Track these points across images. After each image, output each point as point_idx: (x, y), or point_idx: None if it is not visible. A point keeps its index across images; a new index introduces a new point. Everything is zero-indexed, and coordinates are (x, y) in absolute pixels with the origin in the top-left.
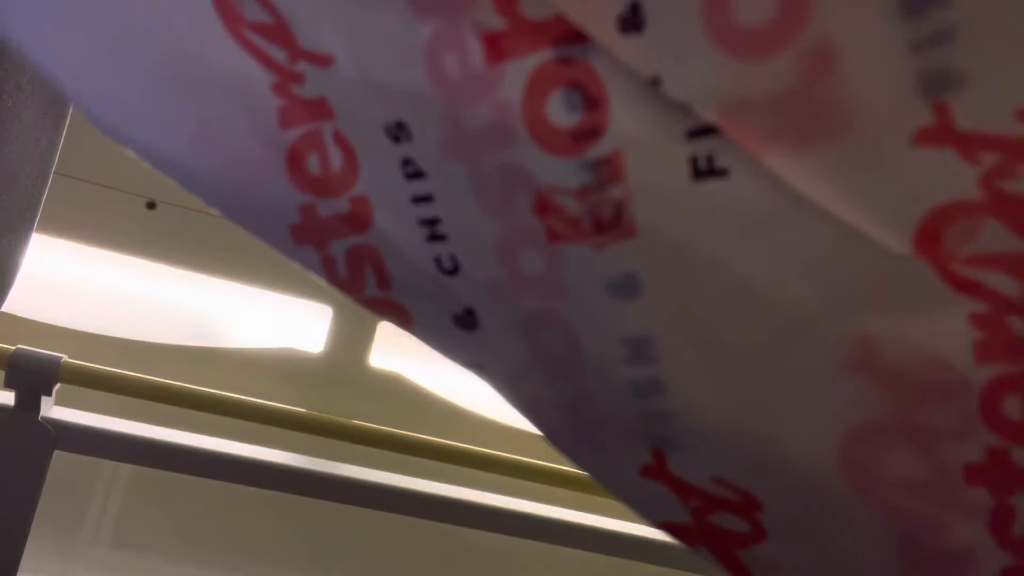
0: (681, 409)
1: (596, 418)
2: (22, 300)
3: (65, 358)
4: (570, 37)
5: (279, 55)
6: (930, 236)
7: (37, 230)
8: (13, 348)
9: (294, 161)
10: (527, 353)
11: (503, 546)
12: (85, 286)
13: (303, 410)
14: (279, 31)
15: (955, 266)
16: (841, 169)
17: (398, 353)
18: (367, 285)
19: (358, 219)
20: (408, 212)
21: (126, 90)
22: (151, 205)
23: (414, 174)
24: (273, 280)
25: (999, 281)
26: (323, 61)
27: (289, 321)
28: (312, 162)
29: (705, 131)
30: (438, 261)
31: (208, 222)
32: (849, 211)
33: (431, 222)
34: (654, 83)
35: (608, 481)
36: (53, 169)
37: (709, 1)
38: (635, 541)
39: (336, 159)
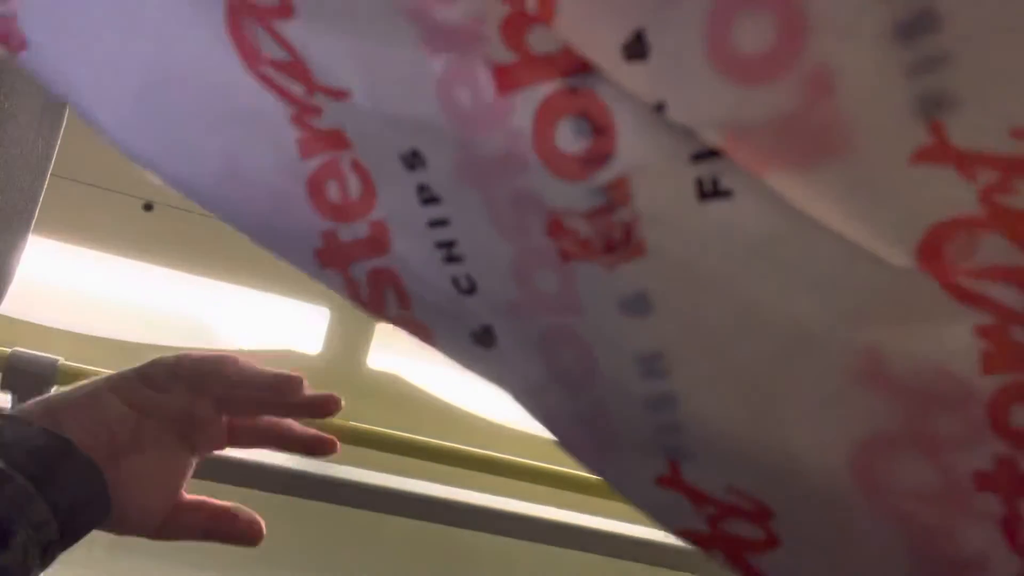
0: (693, 421)
1: (612, 430)
2: (19, 302)
3: (62, 360)
4: (577, 67)
5: (296, 89)
6: (932, 250)
7: (34, 232)
8: (10, 351)
9: (315, 189)
10: (544, 368)
11: (501, 547)
12: (82, 288)
13: None
14: (296, 68)
15: (959, 279)
16: (842, 188)
17: (396, 354)
18: (388, 305)
19: (377, 243)
20: (425, 236)
21: (159, 127)
22: (148, 207)
23: (430, 199)
24: (270, 282)
25: (1003, 293)
26: (339, 95)
27: (286, 323)
28: (332, 190)
29: (709, 154)
30: (455, 281)
31: (205, 224)
32: (851, 228)
33: (447, 244)
34: (658, 108)
35: (625, 490)
36: (50, 171)
37: (710, 29)
38: (633, 542)
39: (354, 187)
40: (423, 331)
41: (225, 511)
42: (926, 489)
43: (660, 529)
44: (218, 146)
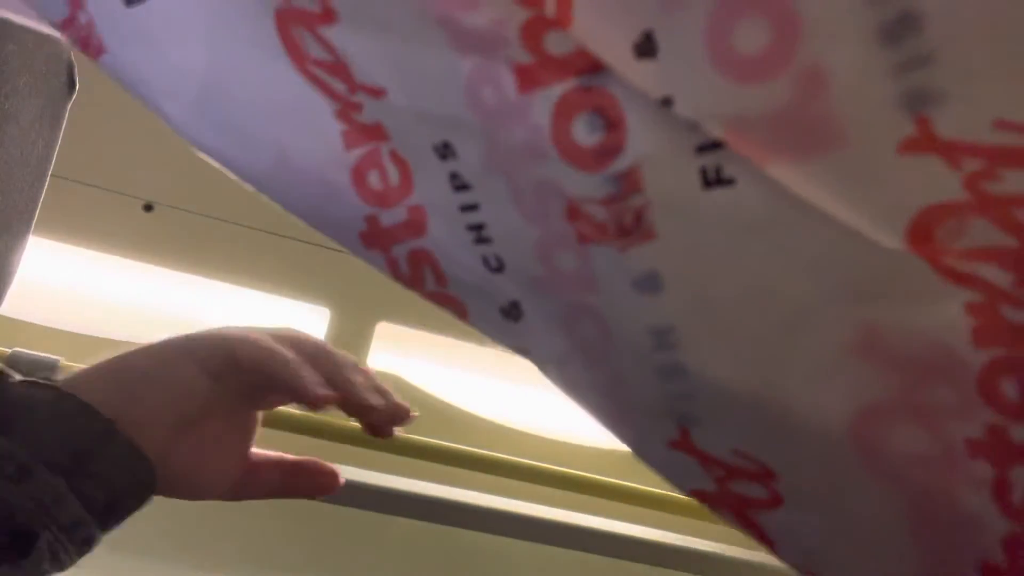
0: (701, 390)
1: (629, 398)
2: (19, 302)
3: (62, 360)
4: (590, 67)
5: (339, 87)
6: (922, 233)
7: (34, 233)
8: (10, 351)
9: (358, 178)
10: (566, 340)
11: (501, 547)
12: (82, 288)
13: (300, 412)
14: (338, 68)
15: (948, 260)
16: (835, 176)
17: (396, 354)
18: (426, 282)
19: (415, 226)
20: (457, 219)
21: (219, 121)
22: (148, 207)
23: (461, 186)
24: (270, 282)
25: (991, 272)
26: (377, 93)
27: (286, 323)
28: (373, 178)
29: (713, 145)
30: (485, 261)
31: (205, 225)
32: (845, 213)
33: (478, 227)
34: (666, 103)
35: (642, 453)
36: (50, 171)
37: (712, 31)
38: (633, 542)
39: (393, 175)
40: (458, 306)
41: (299, 466)
42: (922, 455)
43: (642, 525)
44: (271, 138)
